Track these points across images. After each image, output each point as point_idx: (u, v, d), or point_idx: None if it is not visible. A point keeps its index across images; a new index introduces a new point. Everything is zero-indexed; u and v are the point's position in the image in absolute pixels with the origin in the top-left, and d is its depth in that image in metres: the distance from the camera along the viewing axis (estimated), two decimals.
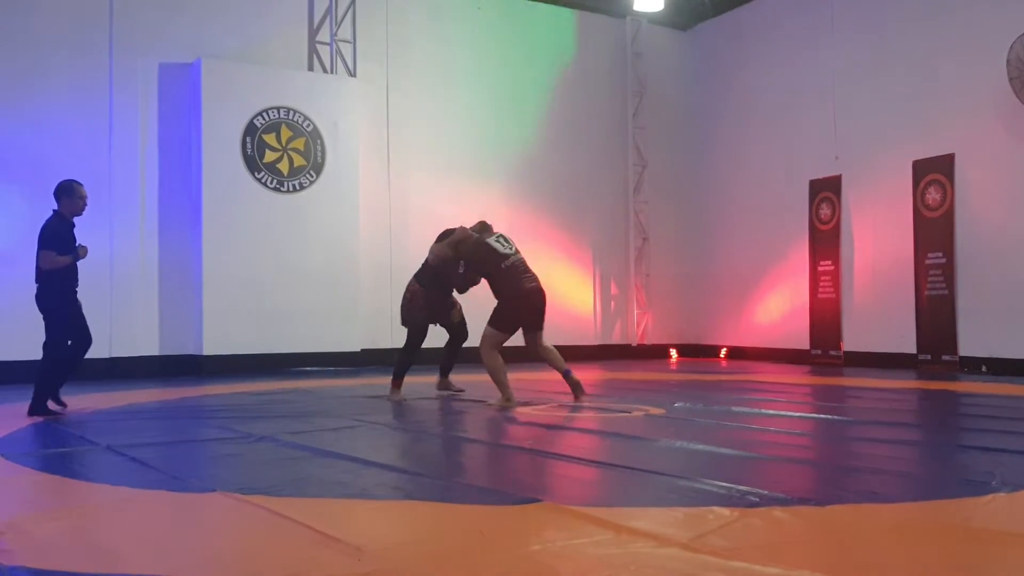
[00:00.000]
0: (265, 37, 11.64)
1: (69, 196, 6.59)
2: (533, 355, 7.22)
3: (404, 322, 7.60)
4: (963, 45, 10.60)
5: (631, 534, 2.82)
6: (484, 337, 7.02)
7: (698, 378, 10.04)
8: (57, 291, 6.50)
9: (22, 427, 5.75)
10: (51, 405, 6.67)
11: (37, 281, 6.52)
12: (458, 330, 7.91)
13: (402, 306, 7.60)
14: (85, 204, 6.73)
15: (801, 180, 12.76)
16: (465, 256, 7.31)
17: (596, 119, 14.32)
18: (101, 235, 10.41)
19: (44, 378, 6.57)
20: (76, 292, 6.66)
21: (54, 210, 6.63)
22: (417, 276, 7.59)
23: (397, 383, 7.50)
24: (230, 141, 10.98)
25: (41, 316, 6.56)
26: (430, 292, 7.49)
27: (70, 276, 6.56)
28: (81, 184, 6.74)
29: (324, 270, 11.35)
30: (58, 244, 6.47)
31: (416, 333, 7.57)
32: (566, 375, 7.20)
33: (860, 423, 5.88)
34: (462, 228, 7.50)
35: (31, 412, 6.47)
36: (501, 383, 6.93)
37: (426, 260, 7.64)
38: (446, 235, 7.60)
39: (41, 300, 6.53)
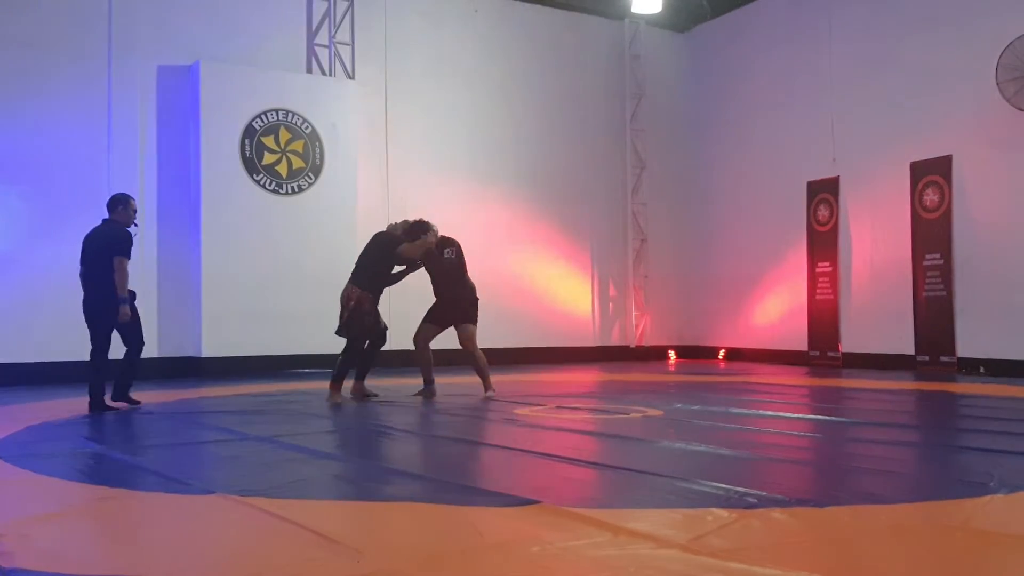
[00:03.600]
0: (264, 40, 11.64)
1: (125, 207, 7.05)
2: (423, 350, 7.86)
3: (350, 329, 7.50)
4: (960, 47, 10.62)
5: (630, 535, 2.82)
6: (471, 335, 7.75)
7: (696, 379, 10.05)
8: (116, 298, 6.84)
9: (21, 429, 5.75)
10: (115, 403, 7.03)
11: (99, 290, 6.85)
12: (379, 338, 7.83)
13: (351, 314, 7.44)
14: (135, 215, 7.17)
15: (799, 181, 12.77)
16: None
17: (594, 121, 14.33)
18: None
19: (100, 376, 6.91)
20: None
21: (108, 219, 7.04)
22: (358, 283, 7.51)
23: (360, 385, 7.61)
24: (229, 143, 10.98)
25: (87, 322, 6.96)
26: (373, 295, 7.58)
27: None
28: (132, 198, 7.24)
29: (323, 272, 11.31)
30: (125, 246, 6.90)
31: (375, 334, 7.63)
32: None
33: (858, 424, 5.89)
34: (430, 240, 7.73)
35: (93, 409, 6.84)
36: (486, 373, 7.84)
37: (372, 260, 7.61)
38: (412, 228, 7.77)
39: (98, 306, 6.87)
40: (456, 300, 7.77)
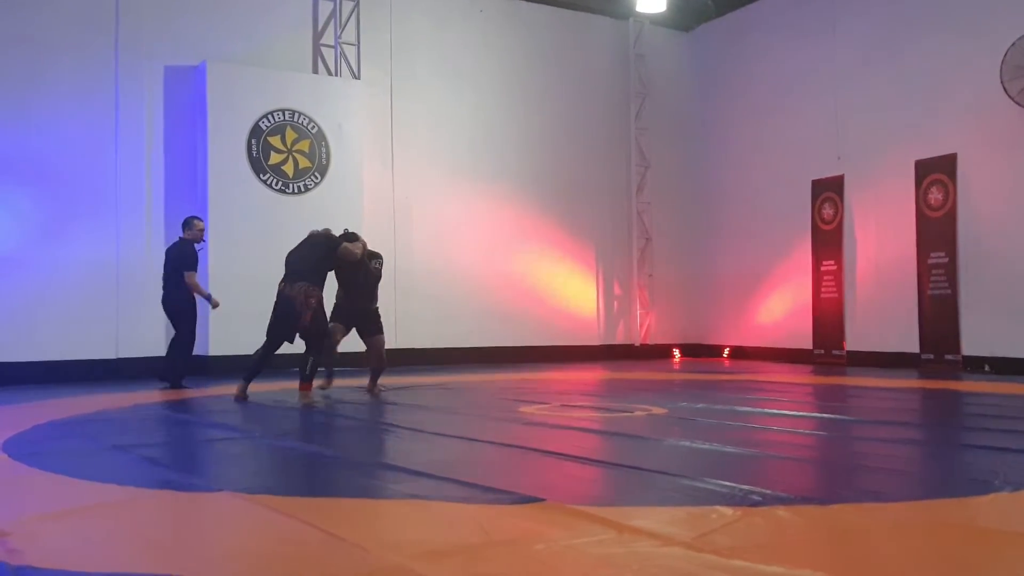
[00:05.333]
0: (270, 40, 11.67)
1: (188, 228, 9.01)
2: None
3: (313, 325, 7.30)
4: (965, 45, 10.60)
5: (634, 533, 2.83)
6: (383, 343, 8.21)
7: (701, 378, 10.05)
8: (187, 296, 8.85)
9: (29, 428, 5.78)
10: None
11: (173, 295, 8.87)
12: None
13: (310, 311, 7.25)
14: (202, 233, 9.10)
15: (804, 180, 12.76)
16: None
17: (599, 120, 14.34)
18: (107, 237, 10.47)
19: (183, 358, 8.90)
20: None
21: (181, 237, 9.01)
22: (312, 281, 7.32)
23: (308, 385, 7.34)
24: (235, 143, 11.01)
25: (169, 317, 9.05)
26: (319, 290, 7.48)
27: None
28: (198, 219, 9.18)
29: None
30: (190, 262, 8.84)
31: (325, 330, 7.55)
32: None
33: (863, 422, 5.89)
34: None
35: (173, 385, 8.72)
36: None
37: (317, 260, 7.49)
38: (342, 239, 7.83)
39: (173, 303, 8.89)
40: (374, 312, 8.09)
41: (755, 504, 3.23)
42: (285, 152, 11.34)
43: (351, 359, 9.71)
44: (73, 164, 10.35)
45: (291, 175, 11.37)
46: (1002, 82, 9.95)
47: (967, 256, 10.55)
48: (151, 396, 8.06)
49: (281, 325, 7.36)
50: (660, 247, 14.70)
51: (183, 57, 11.05)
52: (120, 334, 10.41)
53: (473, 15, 13.33)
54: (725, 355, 14.24)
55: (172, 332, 9.16)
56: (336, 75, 12.03)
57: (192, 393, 8.35)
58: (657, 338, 14.63)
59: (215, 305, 8.96)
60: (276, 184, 11.27)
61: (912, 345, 11.09)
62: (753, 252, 13.74)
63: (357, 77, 12.14)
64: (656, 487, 3.66)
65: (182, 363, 8.91)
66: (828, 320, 12.38)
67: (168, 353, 9.08)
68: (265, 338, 7.46)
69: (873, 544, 2.78)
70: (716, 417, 5.98)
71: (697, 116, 14.91)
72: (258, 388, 8.16)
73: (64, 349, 10.13)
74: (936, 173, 10.90)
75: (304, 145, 11.47)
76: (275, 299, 7.40)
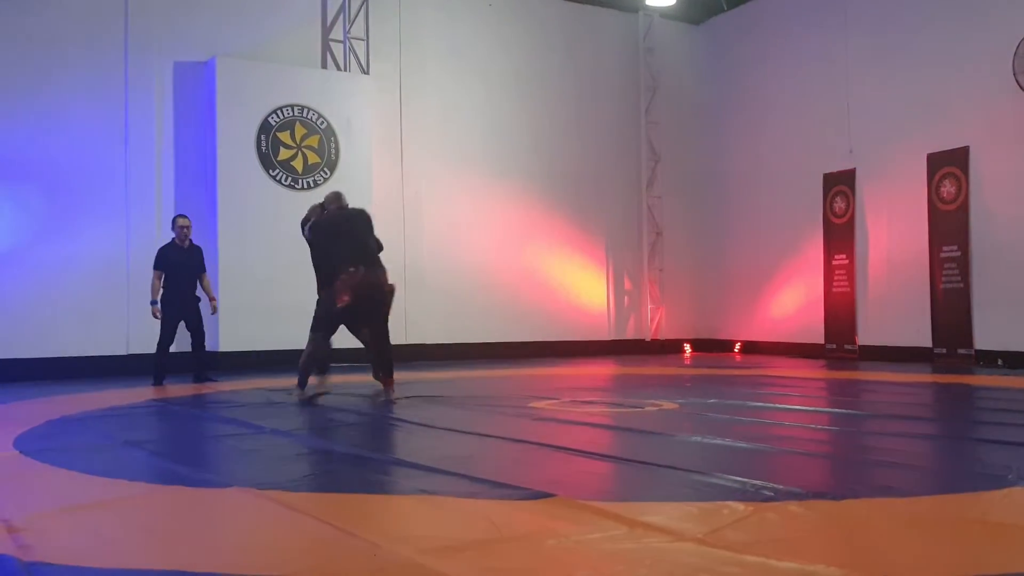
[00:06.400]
0: (279, 35, 11.68)
1: (172, 226, 9.07)
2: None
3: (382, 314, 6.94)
4: (977, 38, 10.53)
5: (645, 529, 2.82)
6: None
7: (712, 372, 10.02)
8: (167, 296, 8.83)
9: (40, 424, 5.80)
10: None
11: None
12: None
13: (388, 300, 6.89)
14: (182, 231, 8.96)
15: (815, 173, 12.71)
16: None
17: (609, 114, 14.31)
18: (117, 233, 10.50)
19: (157, 357, 8.90)
20: (179, 297, 8.88)
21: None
22: (378, 264, 6.96)
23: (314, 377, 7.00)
24: (245, 139, 11.03)
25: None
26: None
27: (170, 285, 8.85)
28: (181, 216, 9.15)
29: None
30: (156, 260, 8.84)
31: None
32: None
33: (875, 417, 5.86)
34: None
35: (155, 384, 8.67)
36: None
37: (368, 239, 7.03)
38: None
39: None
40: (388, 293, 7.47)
41: (767, 499, 3.21)
42: (294, 148, 11.35)
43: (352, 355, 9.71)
44: (83, 160, 10.38)
45: (300, 171, 11.38)
46: (1014, 74, 9.88)
47: (980, 249, 10.49)
48: (161, 392, 8.08)
49: (371, 313, 6.96)
50: (671, 241, 14.66)
51: (192, 53, 11.07)
52: (131, 330, 10.44)
53: (482, 9, 13.32)
54: (736, 350, 14.20)
55: (184, 330, 9.21)
56: (345, 70, 12.03)
57: (204, 388, 8.37)
58: (668, 333, 14.60)
59: (153, 314, 8.81)
60: (285, 180, 11.28)
61: (925, 339, 11.04)
62: (764, 246, 13.69)
63: (366, 72, 12.14)
64: (667, 482, 3.65)
65: (157, 360, 8.85)
66: (840, 314, 12.33)
67: (193, 351, 9.10)
68: (355, 333, 7.44)
69: (886, 539, 2.76)
70: (728, 412, 5.96)
71: (708, 110, 14.85)
72: (272, 383, 8.18)
73: (75, 345, 10.18)
74: (948, 166, 10.84)
75: (313, 140, 11.48)
76: (351, 287, 6.71)
